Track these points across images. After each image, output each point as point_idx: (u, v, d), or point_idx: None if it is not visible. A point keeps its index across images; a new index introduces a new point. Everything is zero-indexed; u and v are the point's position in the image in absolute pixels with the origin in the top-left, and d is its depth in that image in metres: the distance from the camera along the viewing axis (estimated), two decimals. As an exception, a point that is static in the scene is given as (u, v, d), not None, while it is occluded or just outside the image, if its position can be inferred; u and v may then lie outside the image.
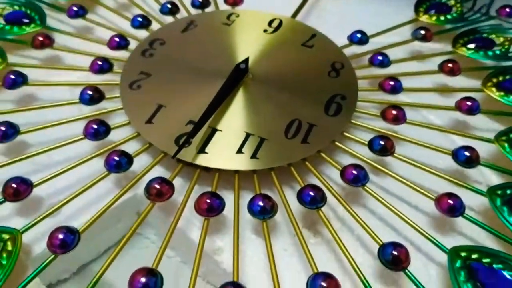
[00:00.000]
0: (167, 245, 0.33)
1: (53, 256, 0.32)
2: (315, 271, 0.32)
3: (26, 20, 0.50)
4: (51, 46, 0.48)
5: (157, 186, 0.35)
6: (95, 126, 0.39)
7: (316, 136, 0.40)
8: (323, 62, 0.47)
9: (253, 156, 0.38)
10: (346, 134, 0.42)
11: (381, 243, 0.34)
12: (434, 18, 0.54)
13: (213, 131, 0.40)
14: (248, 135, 0.40)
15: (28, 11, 0.51)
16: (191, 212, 0.36)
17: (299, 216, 0.37)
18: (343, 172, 0.38)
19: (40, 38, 0.47)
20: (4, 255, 0.32)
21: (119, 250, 0.33)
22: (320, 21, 0.53)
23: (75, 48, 0.48)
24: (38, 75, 0.45)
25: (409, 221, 0.36)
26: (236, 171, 0.38)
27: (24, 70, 0.44)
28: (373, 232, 0.35)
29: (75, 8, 0.51)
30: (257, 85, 0.44)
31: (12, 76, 0.43)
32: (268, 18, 0.51)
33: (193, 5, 0.54)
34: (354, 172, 0.37)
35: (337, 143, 0.41)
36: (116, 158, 0.37)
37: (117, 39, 0.48)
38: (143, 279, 0.30)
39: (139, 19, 0.50)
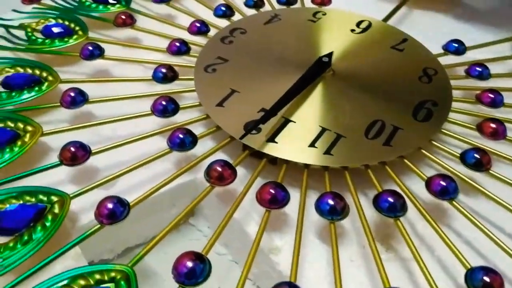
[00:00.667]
0: (220, 233, 0.30)
1: (98, 226, 0.30)
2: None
3: (112, 1, 0.50)
4: (132, 26, 0.47)
5: (219, 169, 0.32)
6: (164, 103, 0.37)
7: (401, 140, 0.36)
8: (414, 67, 0.43)
9: (327, 152, 0.34)
10: (434, 142, 0.37)
11: (469, 267, 0.28)
12: (542, 37, 0.49)
13: (286, 121, 0.37)
14: (323, 130, 0.36)
15: (116, -7, 0.51)
16: (250, 205, 0.33)
17: (371, 226, 0.32)
18: (429, 182, 0.33)
19: (123, 17, 0.47)
20: (50, 217, 0.30)
21: (167, 233, 0.30)
22: (413, 31, 0.49)
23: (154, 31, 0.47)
24: (115, 53, 0.44)
25: (505, 247, 0.30)
26: (306, 166, 0.34)
27: (102, 45, 0.44)
28: (461, 255, 0.29)
29: (161, -8, 0.51)
30: (338, 81, 0.41)
31: (90, 48, 0.43)
32: (357, 19, 0.48)
33: (279, 1, 0.52)
34: (443, 183, 0.32)
35: (424, 151, 0.36)
36: (181, 136, 0.35)
37: (198, 24, 0.46)
38: (189, 263, 0.27)
39: (223, 8, 0.49)
